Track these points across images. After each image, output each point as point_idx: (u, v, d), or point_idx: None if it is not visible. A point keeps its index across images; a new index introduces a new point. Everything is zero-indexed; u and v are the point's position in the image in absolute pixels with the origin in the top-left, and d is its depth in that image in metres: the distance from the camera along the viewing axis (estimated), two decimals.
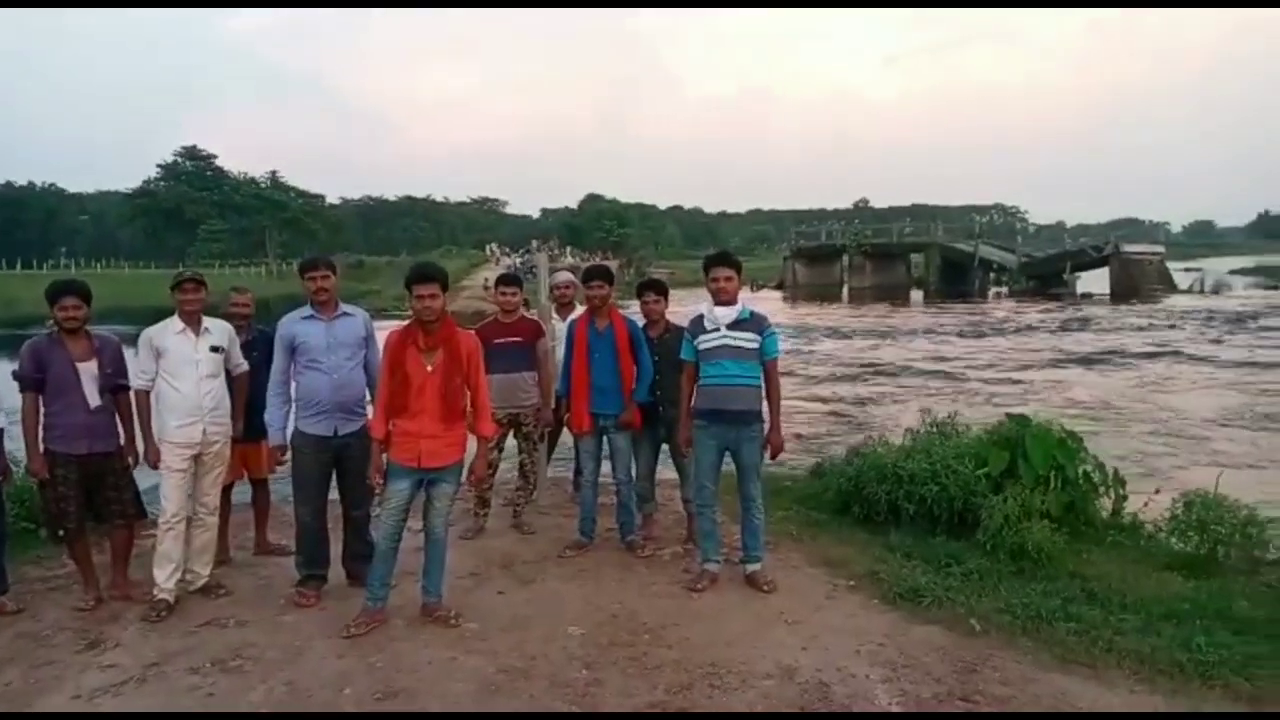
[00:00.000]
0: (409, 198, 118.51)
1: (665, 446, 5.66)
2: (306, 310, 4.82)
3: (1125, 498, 5.85)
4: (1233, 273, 54.59)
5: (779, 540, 5.62)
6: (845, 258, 56.33)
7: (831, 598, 4.78)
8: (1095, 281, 44.48)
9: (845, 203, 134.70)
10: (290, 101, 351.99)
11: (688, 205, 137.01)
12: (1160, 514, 5.66)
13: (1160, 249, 49.81)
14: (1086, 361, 20.04)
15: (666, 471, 5.95)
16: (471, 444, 4.52)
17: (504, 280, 6.07)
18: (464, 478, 4.55)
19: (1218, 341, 23.56)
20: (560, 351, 5.81)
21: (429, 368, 4.25)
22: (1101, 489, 5.79)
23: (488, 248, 68.79)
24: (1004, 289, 47.32)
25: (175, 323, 4.74)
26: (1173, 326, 27.96)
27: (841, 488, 6.15)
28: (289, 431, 4.84)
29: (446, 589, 4.59)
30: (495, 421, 5.65)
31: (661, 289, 5.74)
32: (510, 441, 5.99)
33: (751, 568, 4.95)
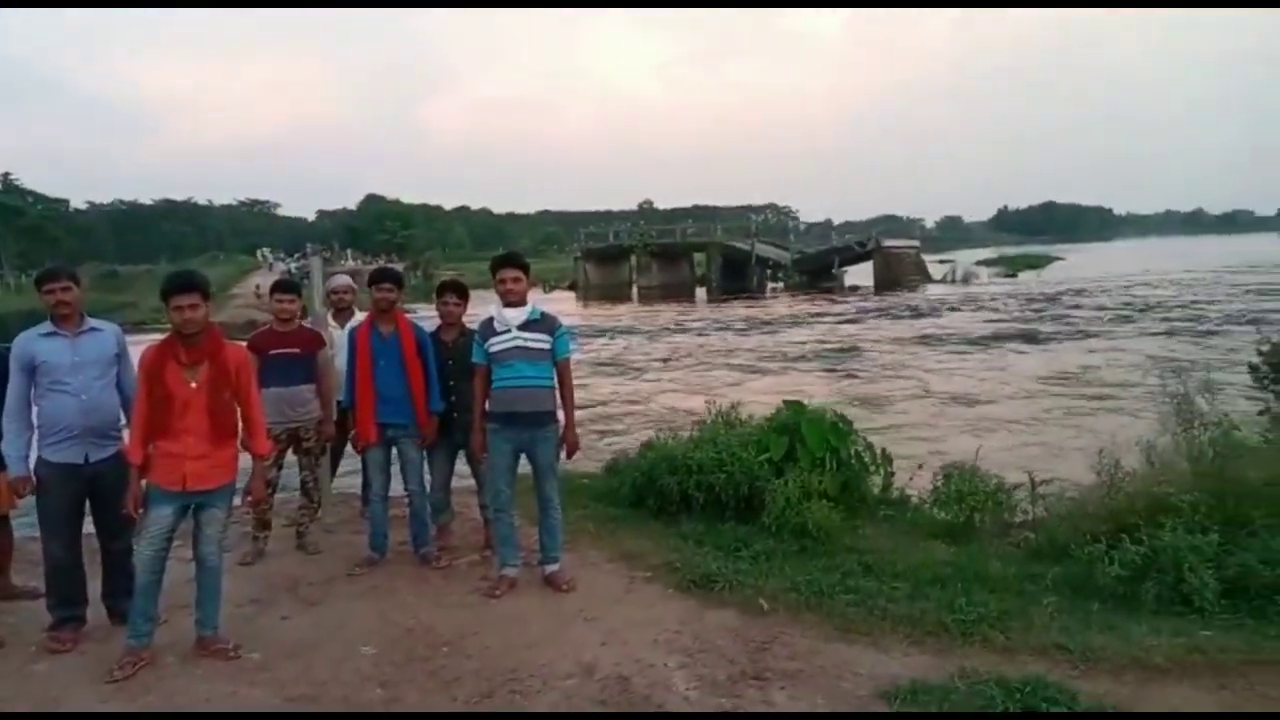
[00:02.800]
0: (168, 201, 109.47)
1: (461, 453, 5.56)
2: (47, 326, 4.33)
3: (893, 474, 6.31)
4: (978, 263, 60.29)
5: (577, 538, 5.64)
6: (633, 258, 57.52)
7: (630, 591, 4.86)
8: (861, 275, 47.94)
9: (630, 204, 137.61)
10: (23, 101, 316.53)
11: (475, 206, 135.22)
12: (924, 487, 6.17)
13: (916, 243, 54.44)
14: (854, 350, 21.53)
15: (463, 479, 5.85)
16: (246, 463, 4.24)
17: (280, 287, 5.73)
18: (238, 500, 4.26)
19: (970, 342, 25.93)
20: (340, 361, 5.54)
21: (193, 384, 3.94)
22: (872, 468, 6.22)
23: (259, 252, 64.72)
24: (780, 284, 49.95)
25: None
26: (948, 310, 30.56)
27: (635, 482, 6.27)
28: (32, 461, 4.35)
29: (224, 619, 4.28)
30: (272, 438, 5.34)
31: (463, 291, 5.61)
32: (291, 458, 5.67)
33: (550, 568, 4.95)
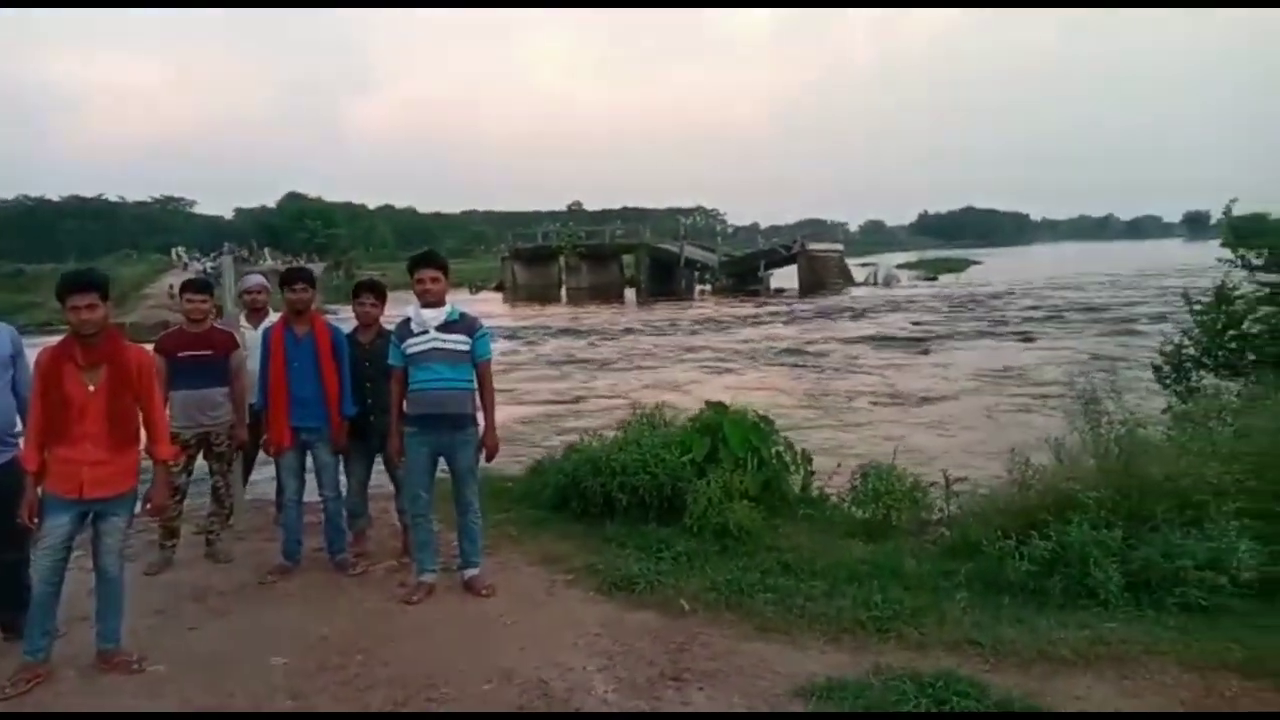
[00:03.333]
0: (76, 197, 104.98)
1: (379, 457, 5.44)
2: None
3: (813, 474, 6.38)
4: (900, 266, 61.70)
5: (498, 542, 5.59)
6: (562, 259, 57.33)
7: (550, 594, 4.83)
8: (786, 278, 48.61)
9: (560, 204, 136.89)
10: None
11: (400, 205, 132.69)
12: (843, 486, 6.25)
13: (840, 247, 55.42)
14: (792, 351, 21.80)
15: (382, 484, 5.73)
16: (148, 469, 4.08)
17: (190, 286, 5.53)
18: (139, 508, 4.09)
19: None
20: (254, 362, 5.38)
21: (91, 387, 3.77)
22: (793, 467, 6.28)
23: (174, 251, 62.40)
24: (708, 287, 50.33)
25: None
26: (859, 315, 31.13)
27: (559, 484, 6.22)
28: None
29: (128, 632, 4.12)
30: (182, 442, 5.17)
31: (380, 291, 5.50)
32: (202, 463, 5.48)
33: (470, 573, 4.88)
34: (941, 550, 5.32)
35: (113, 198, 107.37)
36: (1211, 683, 3.67)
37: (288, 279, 5.29)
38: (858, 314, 31.75)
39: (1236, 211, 7.91)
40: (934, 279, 55.38)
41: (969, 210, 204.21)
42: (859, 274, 52.29)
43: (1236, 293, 7.49)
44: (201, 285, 5.57)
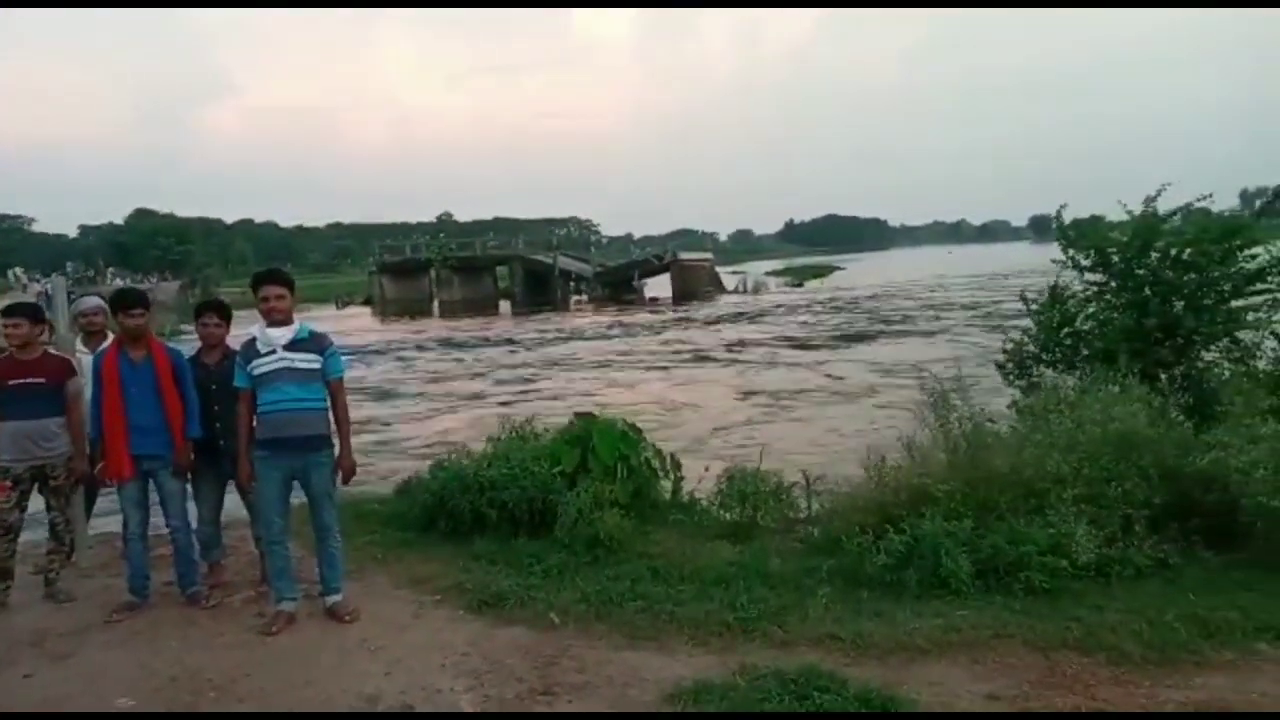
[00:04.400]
0: None
1: (231, 483, 5.19)
2: None
3: (682, 479, 6.46)
4: (768, 274, 63.36)
5: (363, 565, 5.43)
6: (433, 271, 56.35)
7: (418, 616, 4.72)
8: (660, 286, 49.23)
9: (429, 216, 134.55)
10: None
11: (259, 219, 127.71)
12: (711, 490, 6.35)
13: (709, 256, 56.57)
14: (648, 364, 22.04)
15: (235, 510, 5.47)
16: None
17: (8, 312, 5.13)
18: None
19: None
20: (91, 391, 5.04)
21: None
22: (662, 473, 6.34)
23: (10, 273, 58.21)
24: (583, 297, 50.44)
25: None
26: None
27: (426, 503, 6.09)
28: None
29: None
30: (13, 477, 4.83)
31: (224, 310, 5.26)
32: (38, 498, 5.11)
33: (332, 599, 4.72)
34: (805, 548, 5.48)
35: None
36: (1054, 661, 3.90)
37: (121, 302, 4.98)
38: (718, 320, 32.44)
39: (1073, 216, 8.44)
40: (800, 285, 57.15)
41: (832, 218, 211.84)
42: (729, 281, 53.43)
43: (1068, 292, 7.99)
44: (19, 309, 5.15)
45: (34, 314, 5.17)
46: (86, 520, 5.85)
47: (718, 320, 33.30)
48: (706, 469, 6.57)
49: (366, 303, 54.76)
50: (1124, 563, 4.71)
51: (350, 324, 37.82)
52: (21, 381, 4.90)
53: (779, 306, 38.00)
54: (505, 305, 50.81)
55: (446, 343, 29.66)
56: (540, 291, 50.25)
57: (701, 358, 21.96)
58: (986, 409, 6.14)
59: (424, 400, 17.23)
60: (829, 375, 17.42)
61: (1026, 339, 8.11)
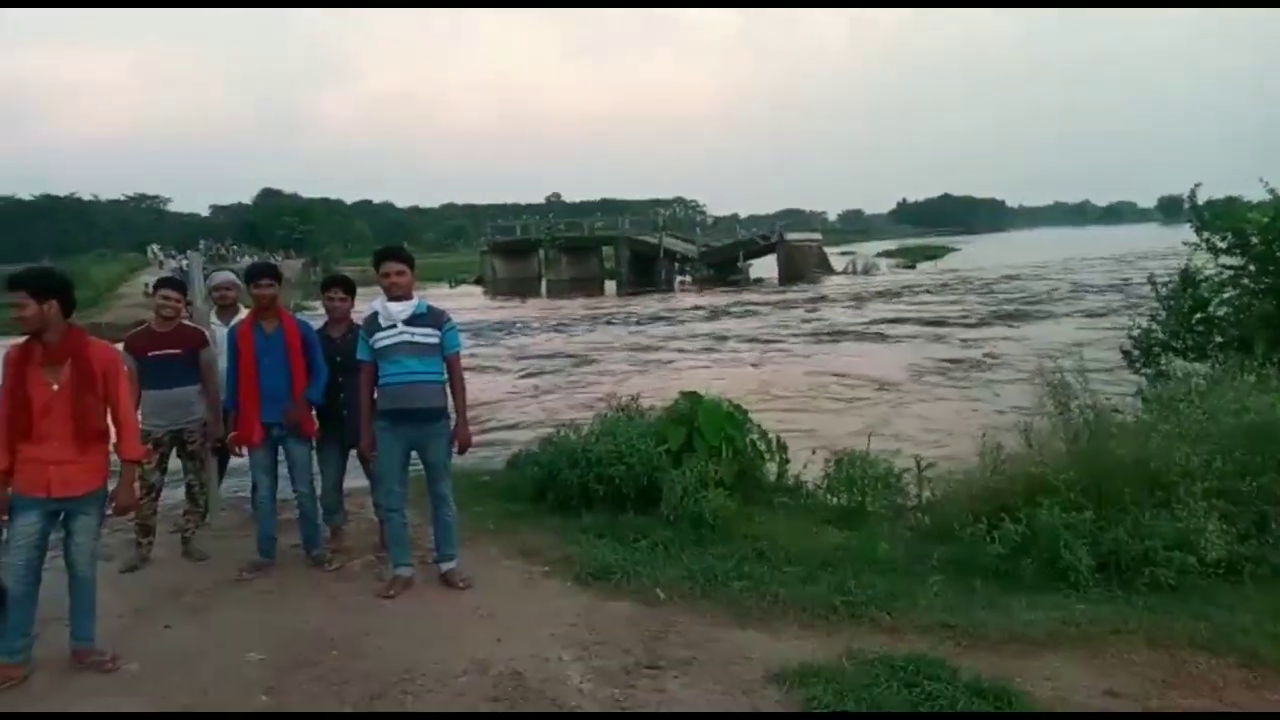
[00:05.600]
0: (49, 196, 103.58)
1: (354, 452, 5.42)
2: None
3: (788, 461, 6.41)
4: (879, 255, 61.91)
5: (475, 535, 5.58)
6: (541, 252, 57.16)
7: (528, 586, 4.84)
8: (765, 268, 48.66)
9: (538, 197, 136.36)
10: None
11: (377, 200, 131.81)
12: (819, 473, 6.28)
13: (818, 236, 55.47)
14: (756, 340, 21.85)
15: (358, 478, 5.71)
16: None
17: (164, 284, 5.49)
18: (108, 507, 4.06)
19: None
20: (224, 360, 5.33)
21: (54, 386, 3.74)
22: (767, 455, 6.31)
23: (149, 249, 61.72)
24: (687, 278, 50.31)
25: None
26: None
27: (535, 477, 6.23)
28: None
29: (103, 630, 4.09)
30: (154, 441, 5.14)
31: (349, 286, 5.48)
32: (176, 462, 5.44)
33: (446, 566, 4.87)
34: (915, 535, 5.38)
35: (86, 196, 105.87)
36: (1180, 661, 3.74)
37: (252, 275, 5.25)
38: (824, 301, 31.87)
39: (1207, 196, 7.99)
40: (913, 266, 55.63)
41: (946, 198, 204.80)
42: (838, 263, 52.40)
43: (1201, 276, 7.57)
44: (173, 282, 5.54)
45: (184, 287, 5.50)
46: (219, 484, 6.20)
47: (826, 300, 32.71)
48: (813, 452, 6.49)
49: (478, 281, 55.93)
50: (1258, 561, 4.48)
51: (462, 302, 38.70)
52: (160, 353, 5.21)
53: (890, 289, 37.00)
54: (610, 285, 51.14)
55: (554, 321, 30.06)
56: (645, 272, 50.34)
57: (813, 337, 21.65)
58: (1110, 397, 5.89)
59: (534, 376, 17.52)
60: (938, 359, 16.91)
61: (1155, 325, 7.72)
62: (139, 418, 5.14)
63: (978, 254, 64.71)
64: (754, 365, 17.72)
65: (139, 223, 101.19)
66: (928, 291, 34.94)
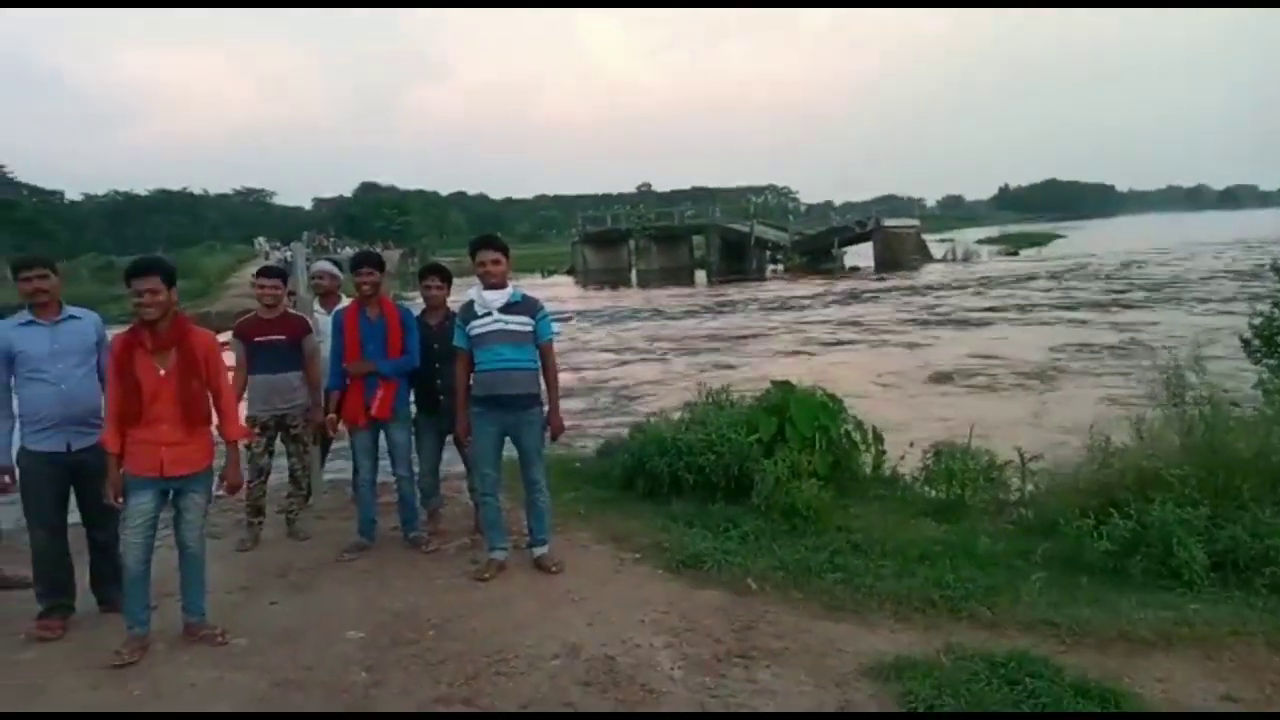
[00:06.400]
0: (163, 191, 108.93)
1: (450, 437, 5.53)
2: (24, 315, 4.31)
3: (884, 453, 6.28)
4: (980, 242, 60.10)
5: (567, 521, 5.64)
6: (632, 241, 57.37)
7: (618, 572, 4.86)
8: (861, 255, 47.78)
9: (629, 187, 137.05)
10: (15, 91, 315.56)
11: (472, 192, 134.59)
12: (916, 466, 6.14)
13: (916, 222, 54.14)
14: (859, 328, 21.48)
15: (457, 465, 5.83)
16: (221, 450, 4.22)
17: (263, 272, 5.71)
18: (217, 486, 4.24)
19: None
20: (326, 347, 5.50)
21: (161, 371, 3.90)
22: (863, 446, 6.19)
23: (256, 241, 64.39)
24: (779, 266, 49.79)
25: None
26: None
27: (626, 464, 6.25)
28: (15, 450, 4.33)
29: (213, 605, 4.29)
30: (260, 425, 5.34)
31: (445, 274, 5.59)
32: (280, 445, 5.66)
33: (538, 551, 4.94)
34: (1018, 530, 5.21)
35: (197, 190, 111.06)
36: None
37: (356, 264, 5.41)
38: (930, 289, 31.07)
39: None
40: (1015, 254, 53.80)
41: (1051, 183, 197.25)
42: (937, 250, 51.08)
43: None
44: (274, 271, 5.74)
45: (284, 276, 5.70)
46: (321, 467, 6.42)
47: (932, 289, 31.92)
48: (911, 444, 6.34)
49: (569, 271, 56.49)
50: None
51: (554, 291, 39.14)
52: (266, 339, 5.41)
53: (993, 275, 35.84)
54: (701, 275, 50.99)
55: (643, 310, 30.16)
56: (736, 260, 50.04)
57: (914, 325, 21.16)
58: (1229, 390, 5.58)
59: (623, 365, 17.63)
60: (1049, 349, 16.31)
61: (1277, 312, 7.29)
62: (245, 402, 5.38)
63: (1086, 240, 62.23)
64: (877, 346, 17.38)
65: (246, 216, 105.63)
66: (1031, 278, 33.75)
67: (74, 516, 4.48)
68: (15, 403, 4.32)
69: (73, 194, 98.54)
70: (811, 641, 3.91)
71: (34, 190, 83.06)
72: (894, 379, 14.23)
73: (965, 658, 3.57)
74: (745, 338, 21.20)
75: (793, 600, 4.36)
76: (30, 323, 4.29)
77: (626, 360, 18.42)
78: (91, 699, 3.63)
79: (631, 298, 37.40)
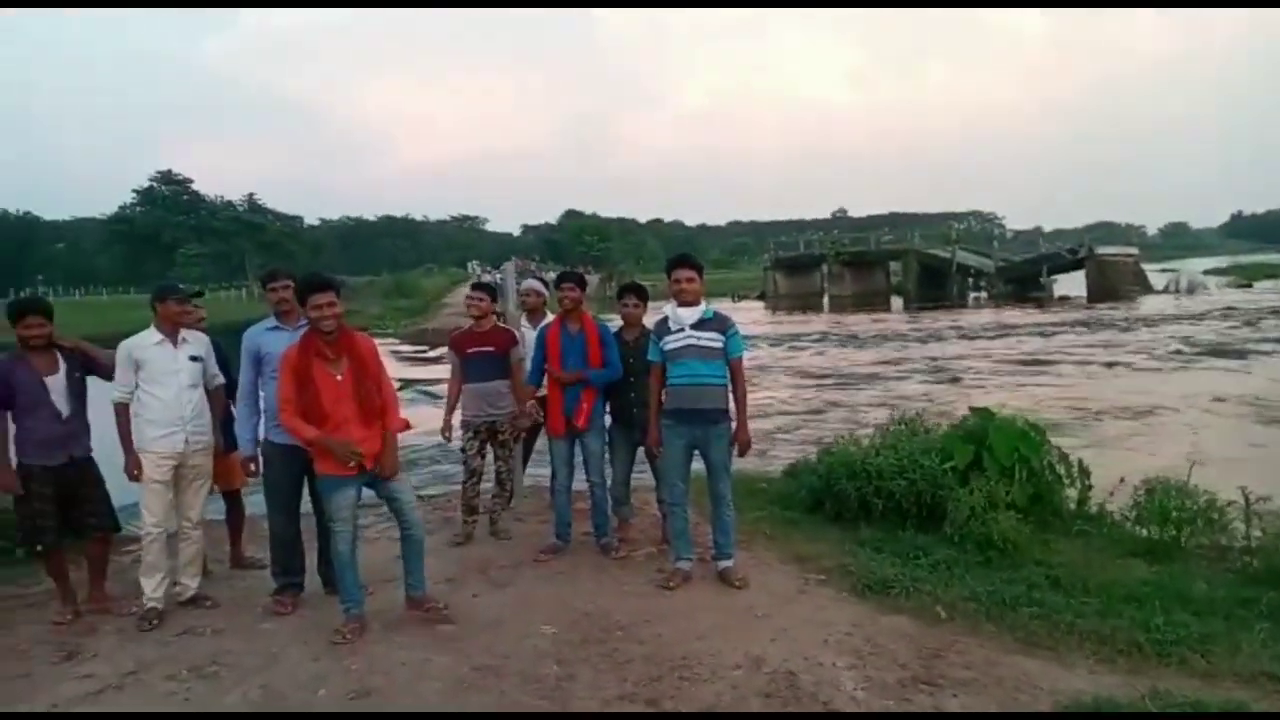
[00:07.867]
0: (388, 217, 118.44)
1: (642, 450, 5.73)
2: (271, 321, 4.90)
3: (1090, 487, 5.94)
4: (1207, 272, 55.10)
5: (752, 539, 5.70)
6: (824, 267, 56.58)
7: (802, 592, 4.86)
8: (1072, 284, 44.86)
9: (823, 213, 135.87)
10: (267, 124, 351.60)
11: (668, 219, 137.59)
12: (1126, 503, 5.77)
13: (1134, 251, 50.28)
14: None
15: (648, 478, 6.02)
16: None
17: (474, 287, 6.17)
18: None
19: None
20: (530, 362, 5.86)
21: (338, 377, 4.28)
22: (1067, 480, 5.89)
23: (469, 265, 68.70)
24: (982, 294, 47.61)
25: (153, 333, 4.78)
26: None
27: (813, 486, 6.24)
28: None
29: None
30: (473, 429, 5.76)
31: (642, 293, 5.80)
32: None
33: (723, 564, 5.02)
34: (1240, 577, 4.80)
35: (417, 217, 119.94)
36: None
37: (559, 280, 5.75)
38: (1150, 322, 28.74)
39: None
40: (1249, 285, 48.77)
41: None
42: (1157, 281, 47.20)
43: None
44: (482, 286, 6.19)
45: (492, 292, 6.12)
46: (522, 472, 6.80)
47: (1148, 320, 29.59)
48: (1122, 480, 5.97)
49: (760, 297, 56.36)
50: None
51: (743, 315, 39.17)
52: (478, 350, 5.84)
53: (1231, 309, 32.54)
54: (897, 301, 49.50)
55: (834, 335, 29.65)
56: (935, 287, 48.24)
57: (1129, 360, 19.70)
58: None
59: (812, 389, 17.41)
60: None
61: None
62: (460, 408, 5.81)
63: None
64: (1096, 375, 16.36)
65: (461, 240, 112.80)
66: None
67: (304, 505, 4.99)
68: (261, 399, 4.88)
69: (311, 219, 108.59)
70: (1003, 674, 3.78)
71: (278, 215, 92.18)
72: (1111, 409, 13.30)
73: (1173, 704, 3.34)
74: (941, 365, 20.41)
75: (984, 632, 4.22)
76: (276, 328, 4.86)
77: (813, 384, 18.19)
78: (314, 669, 4.03)
79: (821, 322, 36.84)
